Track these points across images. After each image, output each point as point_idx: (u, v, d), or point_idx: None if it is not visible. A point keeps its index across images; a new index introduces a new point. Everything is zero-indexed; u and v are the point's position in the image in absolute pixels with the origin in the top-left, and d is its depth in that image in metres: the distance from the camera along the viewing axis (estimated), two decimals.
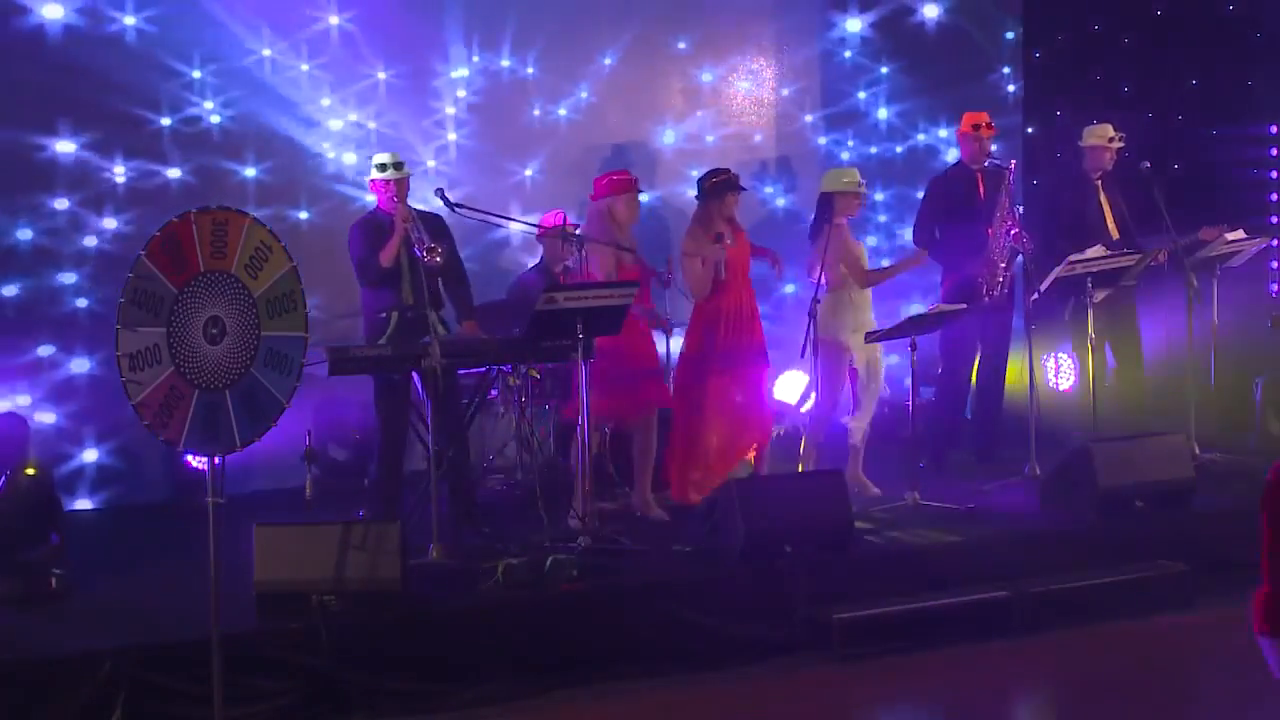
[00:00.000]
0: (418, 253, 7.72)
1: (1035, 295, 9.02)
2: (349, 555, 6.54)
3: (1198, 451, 8.99)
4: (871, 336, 8.55)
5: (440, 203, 8.06)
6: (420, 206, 8.21)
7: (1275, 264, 11.16)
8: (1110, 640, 7.29)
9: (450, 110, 10.04)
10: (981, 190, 9.31)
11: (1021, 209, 10.34)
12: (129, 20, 9.07)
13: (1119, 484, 8.08)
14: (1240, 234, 9.54)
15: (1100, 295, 9.01)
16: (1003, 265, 9.06)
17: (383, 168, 8.01)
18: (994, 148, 9.49)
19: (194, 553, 6.00)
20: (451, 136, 10.05)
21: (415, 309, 7.90)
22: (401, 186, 7.99)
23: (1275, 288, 11.19)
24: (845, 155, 11.17)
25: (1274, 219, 11.20)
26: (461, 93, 10.07)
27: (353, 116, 9.72)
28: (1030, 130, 11.76)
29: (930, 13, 11.35)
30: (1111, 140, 9.70)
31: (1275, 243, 10.83)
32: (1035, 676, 7.13)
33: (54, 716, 5.92)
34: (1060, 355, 10.93)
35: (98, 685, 5.97)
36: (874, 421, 8.95)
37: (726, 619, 7.00)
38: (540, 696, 6.53)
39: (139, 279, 5.30)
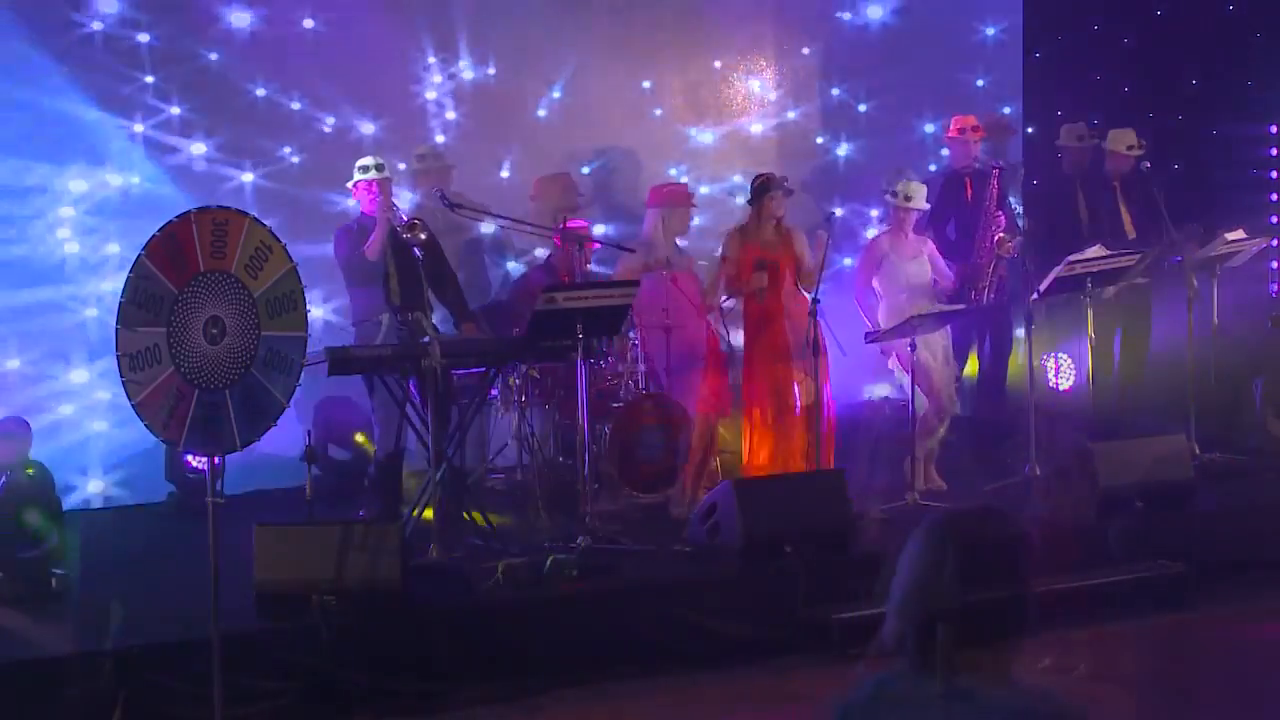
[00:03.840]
0: (398, 226, 7.80)
1: (1035, 295, 9.01)
2: (349, 555, 6.53)
3: (1198, 451, 8.97)
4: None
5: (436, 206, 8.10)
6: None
7: (1275, 264, 11.15)
8: (1110, 640, 7.28)
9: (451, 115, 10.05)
10: (970, 193, 9.32)
11: (1021, 209, 10.32)
12: None
13: (1119, 484, 8.07)
14: (1240, 234, 9.54)
15: (1112, 291, 9.04)
16: (989, 269, 9.04)
17: (365, 169, 8.17)
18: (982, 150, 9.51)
19: (194, 553, 5.98)
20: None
21: (406, 311, 7.90)
22: (385, 186, 8.15)
23: (1275, 288, 11.18)
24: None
25: (1274, 219, 11.19)
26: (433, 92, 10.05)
27: None
28: (1030, 130, 11.74)
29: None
30: (1131, 148, 9.73)
31: (1275, 243, 10.82)
32: (1035, 676, 7.11)
33: (54, 716, 5.92)
34: (1060, 355, 10.92)
35: (98, 685, 5.97)
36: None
37: (726, 619, 7.00)
38: (540, 696, 6.53)
39: (139, 279, 5.29)
